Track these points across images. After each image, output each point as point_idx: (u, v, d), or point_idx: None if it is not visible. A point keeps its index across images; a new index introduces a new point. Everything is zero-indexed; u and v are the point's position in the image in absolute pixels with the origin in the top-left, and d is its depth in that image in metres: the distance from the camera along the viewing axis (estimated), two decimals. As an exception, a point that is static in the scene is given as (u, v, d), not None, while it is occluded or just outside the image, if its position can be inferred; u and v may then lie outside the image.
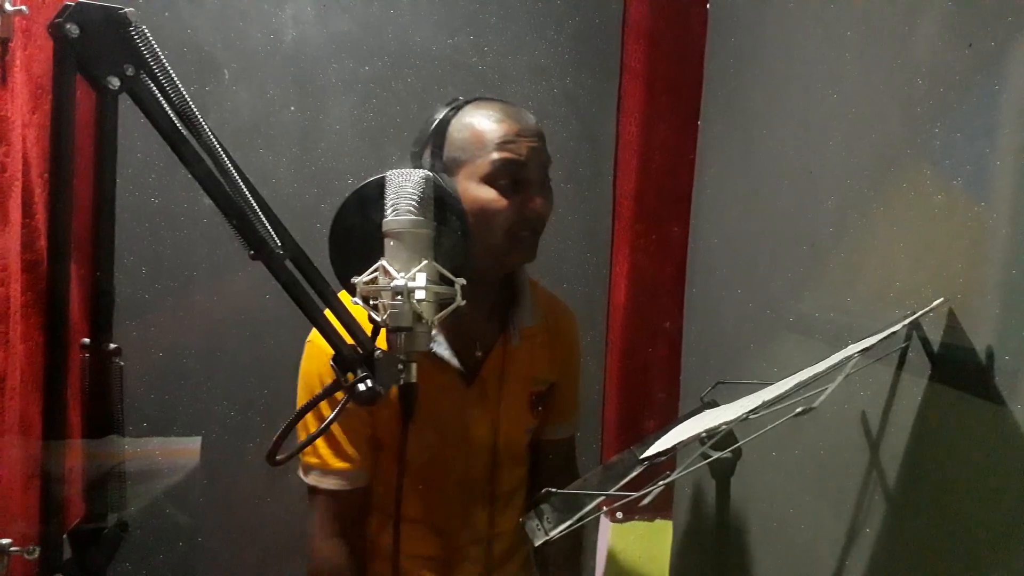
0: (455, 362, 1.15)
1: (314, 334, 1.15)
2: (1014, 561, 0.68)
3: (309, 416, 1.10)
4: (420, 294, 0.89)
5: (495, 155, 1.05)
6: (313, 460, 1.13)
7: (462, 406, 1.17)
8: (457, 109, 1.09)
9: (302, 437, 1.10)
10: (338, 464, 1.13)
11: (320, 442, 1.12)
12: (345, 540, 1.15)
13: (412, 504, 1.17)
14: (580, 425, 1.41)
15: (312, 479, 1.13)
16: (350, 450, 1.13)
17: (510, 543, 1.27)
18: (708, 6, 1.54)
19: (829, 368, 0.76)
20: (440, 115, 1.09)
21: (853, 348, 0.78)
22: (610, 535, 1.70)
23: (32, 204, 1.00)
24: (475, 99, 1.11)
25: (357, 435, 1.13)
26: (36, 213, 1.00)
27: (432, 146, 1.08)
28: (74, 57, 0.63)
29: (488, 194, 1.05)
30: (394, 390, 0.94)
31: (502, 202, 1.06)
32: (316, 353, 1.11)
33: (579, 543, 1.39)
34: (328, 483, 1.13)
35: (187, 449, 1.54)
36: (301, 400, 1.14)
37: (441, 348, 1.14)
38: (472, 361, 1.18)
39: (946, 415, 0.78)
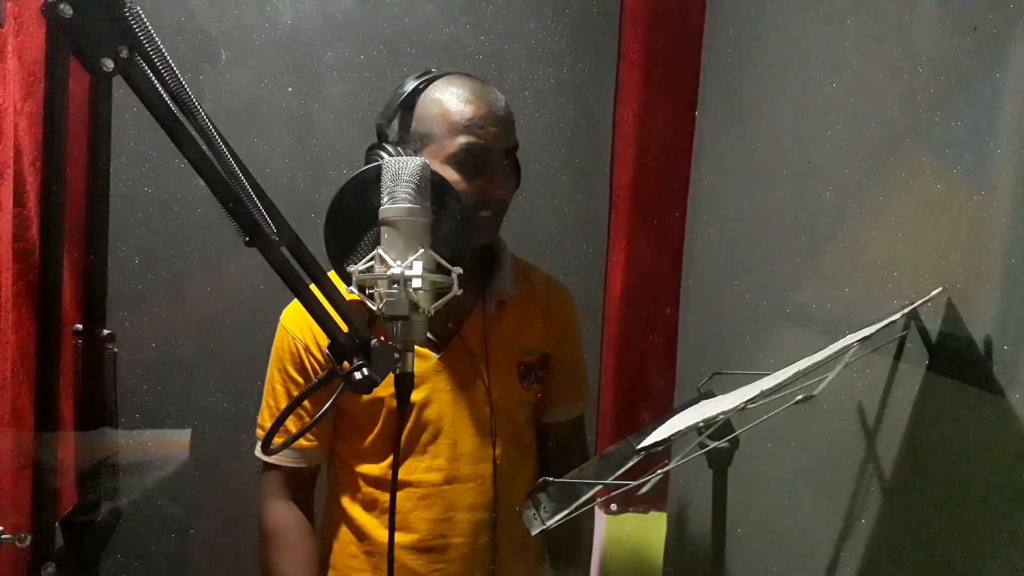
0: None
1: (285, 315, 1.17)
2: (1011, 551, 0.68)
3: (280, 397, 1.15)
4: (416, 283, 0.89)
5: (461, 139, 1.07)
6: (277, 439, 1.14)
7: (433, 373, 1.17)
8: (428, 82, 1.11)
9: (274, 413, 1.15)
10: (304, 443, 1.16)
11: (289, 421, 1.14)
12: (298, 511, 1.18)
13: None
14: (587, 406, 1.40)
15: (276, 456, 1.15)
16: (316, 429, 1.15)
17: (513, 524, 1.20)
18: (706, -5, 1.53)
19: (827, 358, 0.76)
20: (409, 87, 1.10)
21: (851, 338, 0.78)
22: (605, 527, 1.70)
23: (24, 193, 0.99)
24: (446, 74, 1.12)
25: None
26: (28, 202, 0.99)
27: (400, 119, 1.10)
28: (67, 38, 0.62)
29: (451, 175, 1.06)
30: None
31: (462, 184, 1.07)
32: (282, 335, 1.16)
33: (582, 531, 1.38)
34: (291, 460, 1.16)
35: (177, 441, 1.54)
36: (271, 378, 1.18)
37: None
38: (444, 331, 1.19)
39: (944, 405, 0.77)
